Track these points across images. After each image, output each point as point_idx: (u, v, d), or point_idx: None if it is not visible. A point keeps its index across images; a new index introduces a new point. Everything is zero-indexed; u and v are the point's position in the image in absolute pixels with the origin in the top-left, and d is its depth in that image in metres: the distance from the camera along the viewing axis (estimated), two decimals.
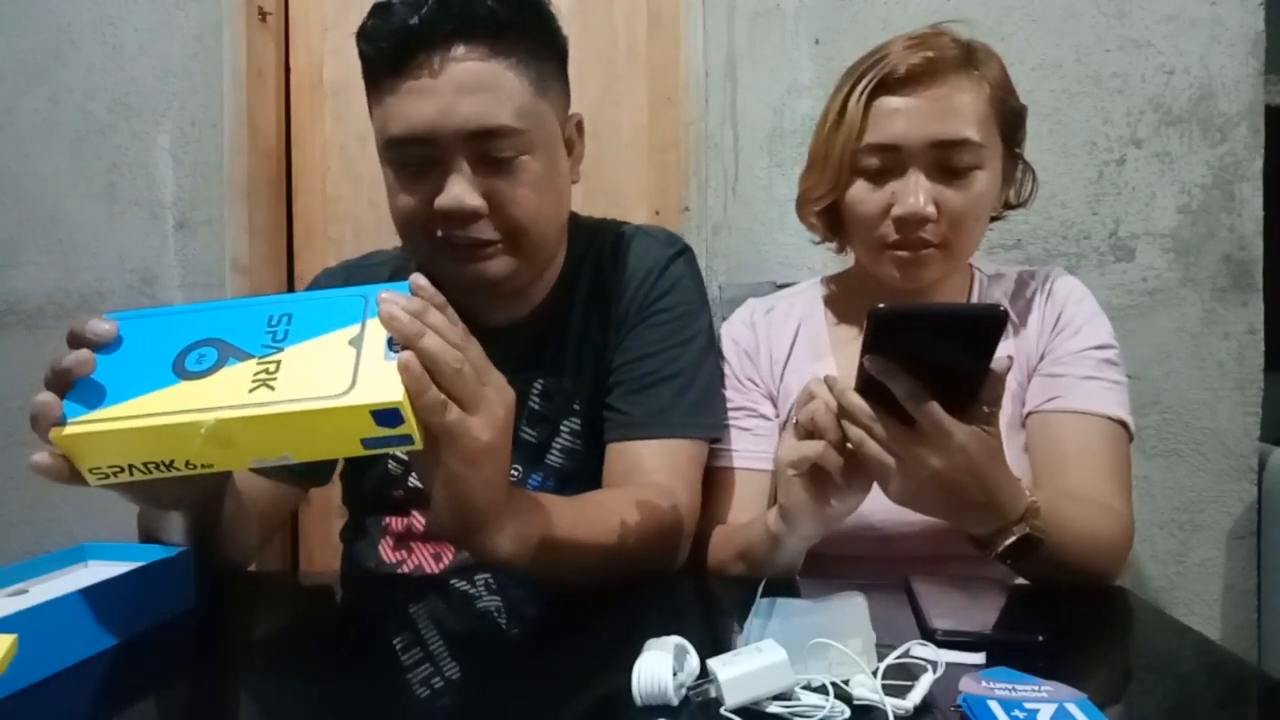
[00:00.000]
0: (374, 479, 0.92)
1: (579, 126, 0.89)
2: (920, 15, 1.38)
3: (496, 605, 0.71)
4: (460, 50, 0.75)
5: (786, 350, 0.98)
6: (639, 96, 1.55)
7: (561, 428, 0.91)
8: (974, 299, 0.96)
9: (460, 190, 0.77)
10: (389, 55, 0.76)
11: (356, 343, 0.56)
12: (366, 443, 0.54)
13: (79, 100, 1.63)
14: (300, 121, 1.67)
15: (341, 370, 0.54)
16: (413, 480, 0.91)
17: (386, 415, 0.53)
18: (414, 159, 0.78)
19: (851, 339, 0.98)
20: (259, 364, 0.55)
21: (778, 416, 0.97)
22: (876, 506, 0.88)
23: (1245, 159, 1.34)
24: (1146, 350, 1.36)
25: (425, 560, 0.91)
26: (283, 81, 1.66)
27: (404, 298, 0.57)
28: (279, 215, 1.67)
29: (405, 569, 0.91)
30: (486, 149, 0.77)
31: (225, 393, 0.54)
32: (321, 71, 1.65)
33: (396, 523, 0.92)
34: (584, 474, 0.89)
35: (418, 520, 0.91)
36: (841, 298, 1.01)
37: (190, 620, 0.67)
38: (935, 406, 0.62)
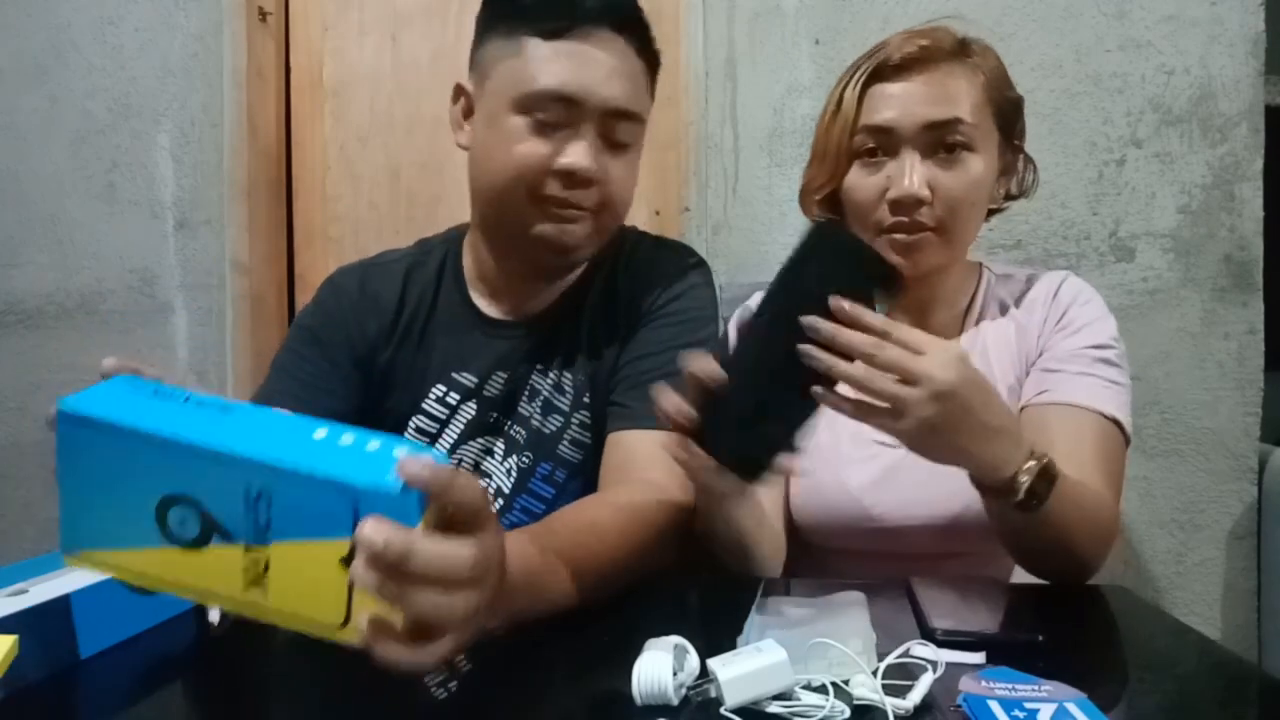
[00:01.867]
0: None
1: None
2: (920, 15, 1.38)
3: None
4: (622, 37, 0.84)
5: None
6: None
7: (573, 420, 0.93)
8: (981, 297, 0.96)
9: (588, 155, 0.83)
10: (558, 13, 0.82)
11: (348, 564, 0.46)
12: None
13: (79, 100, 1.63)
14: (300, 121, 1.67)
15: (335, 595, 0.47)
16: None
17: None
18: (552, 114, 0.83)
19: None
20: (246, 554, 0.49)
21: None
22: (879, 500, 0.89)
23: (1245, 159, 1.34)
24: (1146, 350, 1.36)
25: None
26: (283, 81, 1.66)
27: (380, 540, 0.42)
28: (279, 215, 1.67)
29: None
30: (612, 128, 0.85)
31: (220, 578, 0.49)
32: (321, 71, 1.65)
33: None
34: (592, 467, 0.90)
35: None
36: None
37: (190, 620, 0.67)
38: (912, 330, 0.62)
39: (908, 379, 0.61)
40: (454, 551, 0.44)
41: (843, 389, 0.63)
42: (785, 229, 1.43)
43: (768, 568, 0.86)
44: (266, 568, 0.48)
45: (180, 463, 0.49)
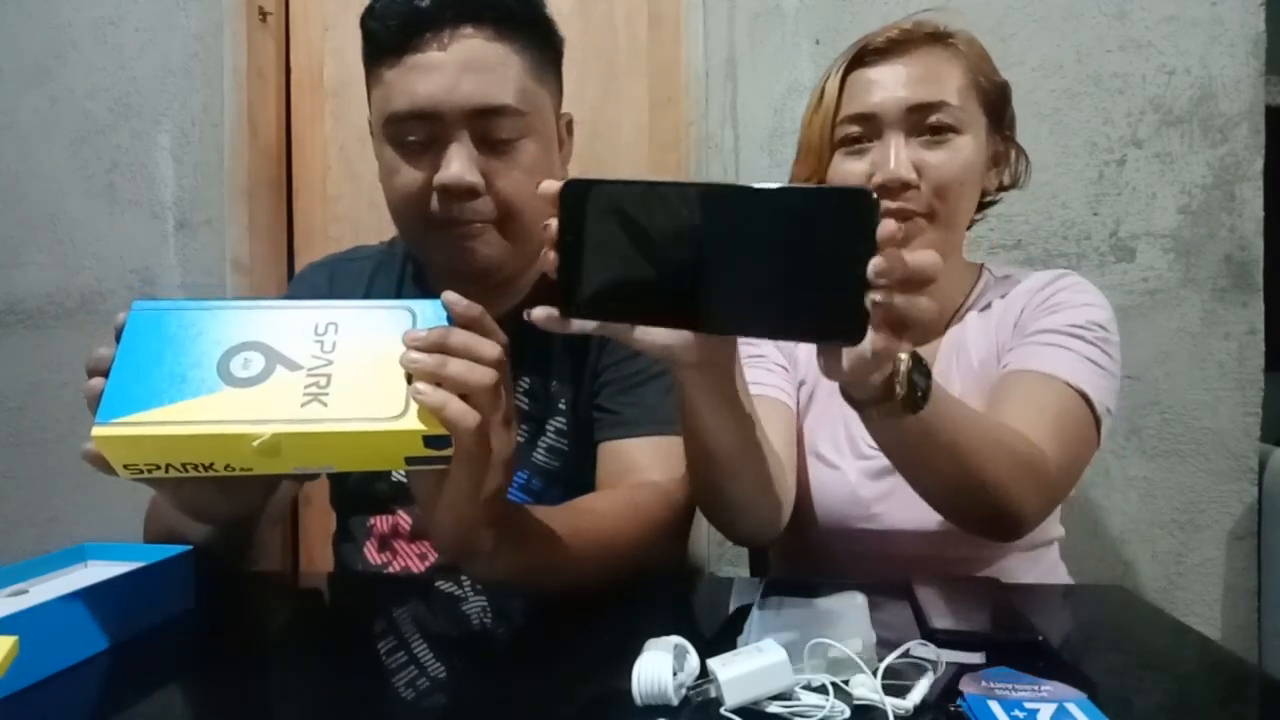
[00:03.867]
0: (360, 473, 0.92)
1: (569, 125, 0.90)
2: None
3: (497, 606, 0.71)
4: (467, 30, 0.77)
5: None
6: (639, 96, 1.55)
7: (547, 427, 0.90)
8: (976, 296, 0.93)
9: (460, 166, 0.78)
10: (396, 32, 0.78)
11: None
12: (409, 460, 0.56)
13: (79, 100, 1.63)
14: (300, 121, 1.67)
15: (394, 391, 0.55)
16: (396, 474, 0.91)
17: (437, 440, 0.54)
18: (415, 135, 0.79)
19: None
20: (309, 375, 0.55)
21: (789, 374, 0.96)
22: (880, 502, 0.88)
23: (1246, 159, 1.34)
24: (1146, 350, 1.36)
25: (410, 561, 0.90)
26: (283, 81, 1.66)
27: (422, 334, 0.56)
28: (279, 215, 1.67)
29: (391, 571, 0.91)
30: (488, 128, 0.78)
31: (277, 405, 0.54)
32: (321, 71, 1.65)
33: (381, 523, 0.92)
34: (571, 475, 0.89)
35: (403, 520, 0.91)
36: None
37: (190, 620, 0.67)
38: None
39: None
40: (482, 339, 0.56)
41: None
42: None
43: (761, 505, 0.76)
44: (328, 383, 0.55)
45: (251, 318, 0.58)
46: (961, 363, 0.90)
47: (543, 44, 0.83)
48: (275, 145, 1.65)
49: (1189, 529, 1.36)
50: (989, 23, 1.36)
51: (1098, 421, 0.80)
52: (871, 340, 0.48)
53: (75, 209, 1.64)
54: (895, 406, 0.58)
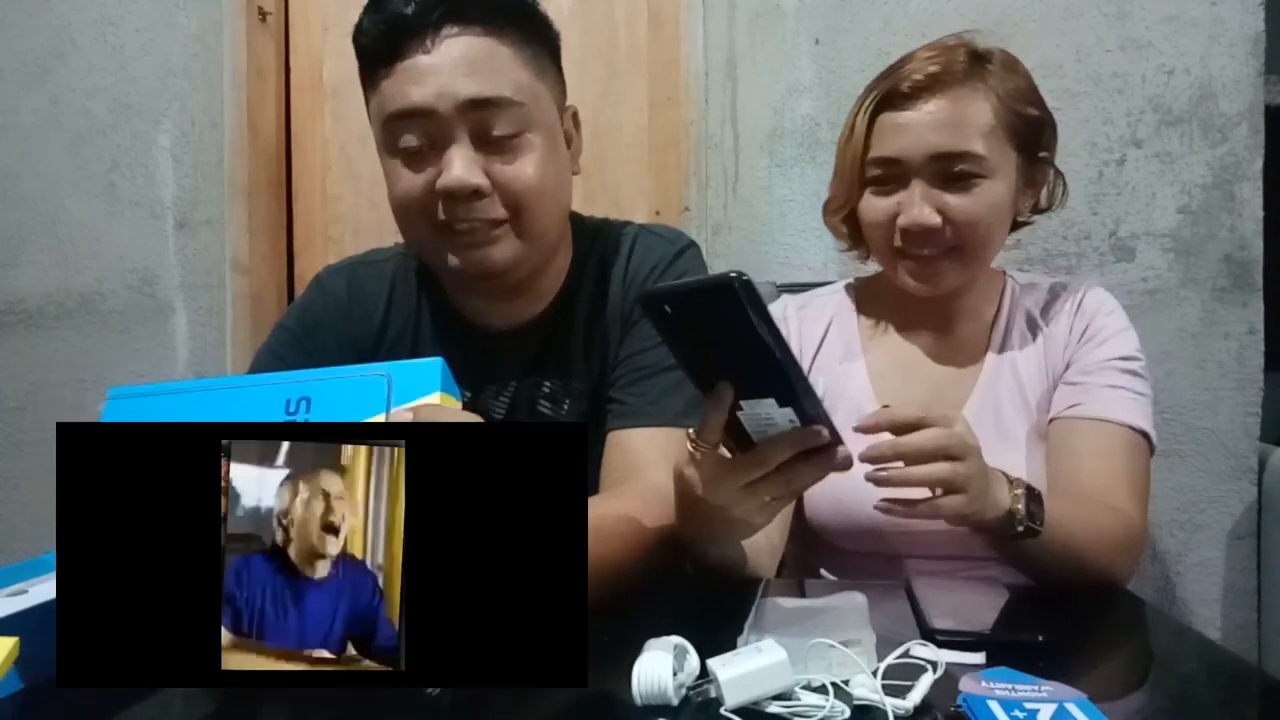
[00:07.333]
0: None
1: (575, 119, 0.89)
2: (920, 15, 1.38)
3: None
4: (454, 29, 0.76)
5: (815, 346, 0.99)
6: (639, 96, 1.55)
7: None
8: (1006, 309, 0.96)
9: (462, 168, 0.76)
10: (384, 42, 0.77)
11: None
12: None
13: (79, 100, 1.63)
14: (300, 121, 1.67)
15: None
16: None
17: None
18: (413, 139, 0.78)
19: (882, 335, 0.99)
20: None
21: None
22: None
23: (1245, 159, 1.34)
24: (1147, 351, 1.34)
25: None
26: (283, 81, 1.66)
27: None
28: (279, 215, 1.67)
29: None
30: (487, 124, 0.77)
31: None
32: (321, 71, 1.65)
33: None
34: (594, 474, 0.87)
35: None
36: (870, 299, 1.02)
37: None
38: (912, 405, 0.65)
39: (952, 455, 0.63)
40: None
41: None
42: (785, 229, 1.43)
43: (760, 574, 0.84)
44: None
45: (222, 398, 0.59)
46: (1008, 381, 0.93)
47: (535, 37, 0.81)
48: (275, 145, 1.65)
49: (1189, 529, 1.36)
50: (989, 23, 1.36)
51: (1152, 449, 0.88)
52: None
53: (75, 209, 1.64)
54: (1017, 535, 0.68)
